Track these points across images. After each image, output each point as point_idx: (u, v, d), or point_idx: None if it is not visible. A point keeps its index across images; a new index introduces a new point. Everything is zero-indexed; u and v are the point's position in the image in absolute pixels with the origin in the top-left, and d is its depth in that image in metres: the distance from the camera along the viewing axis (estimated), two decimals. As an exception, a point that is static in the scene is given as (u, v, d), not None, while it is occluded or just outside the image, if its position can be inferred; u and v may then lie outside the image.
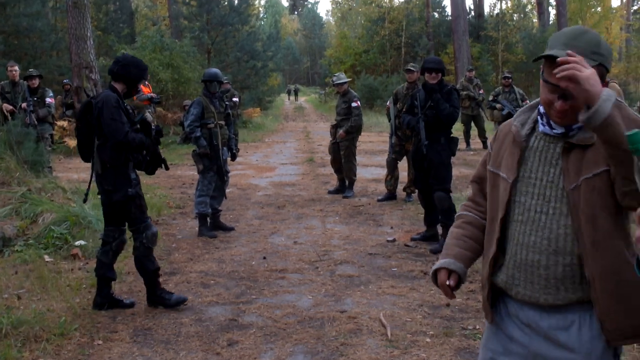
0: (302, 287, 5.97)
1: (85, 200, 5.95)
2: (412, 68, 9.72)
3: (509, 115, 12.39)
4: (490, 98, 13.17)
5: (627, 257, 2.06)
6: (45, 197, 8.37)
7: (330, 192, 11.05)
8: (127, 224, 5.44)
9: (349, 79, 11.88)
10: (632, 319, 2.07)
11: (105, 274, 5.40)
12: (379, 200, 10.18)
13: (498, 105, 12.55)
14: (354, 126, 10.61)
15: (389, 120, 10.07)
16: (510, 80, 13.10)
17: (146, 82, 12.88)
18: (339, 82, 10.87)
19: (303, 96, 62.16)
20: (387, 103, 10.36)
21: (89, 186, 5.71)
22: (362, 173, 12.52)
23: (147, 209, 5.53)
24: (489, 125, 16.10)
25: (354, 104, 10.61)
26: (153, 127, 5.58)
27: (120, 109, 5.15)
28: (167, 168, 5.77)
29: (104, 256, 5.41)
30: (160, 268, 5.57)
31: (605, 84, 2.02)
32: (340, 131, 10.59)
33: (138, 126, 5.33)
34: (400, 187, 10.35)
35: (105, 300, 5.37)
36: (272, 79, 38.54)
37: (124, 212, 5.33)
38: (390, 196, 10.31)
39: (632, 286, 2.04)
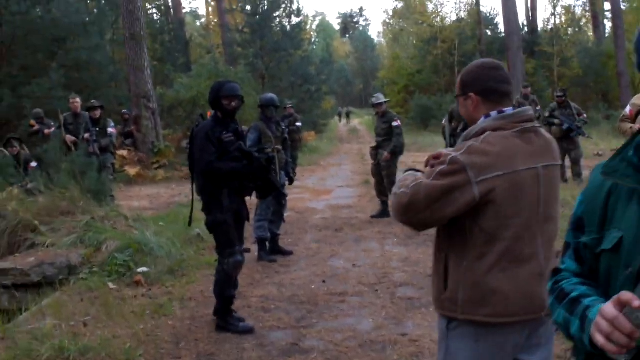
0: (363, 310, 5.94)
1: (189, 224, 6.18)
2: None
3: (569, 131, 12.15)
4: (547, 114, 12.90)
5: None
6: (108, 225, 8.55)
7: (373, 217, 10.68)
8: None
9: (387, 99, 11.80)
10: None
11: (220, 292, 5.58)
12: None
13: (556, 121, 12.30)
14: (397, 146, 10.47)
15: (445, 139, 9.97)
16: (564, 97, 12.76)
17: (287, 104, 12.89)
18: (377, 102, 10.81)
19: (357, 118, 62.22)
20: (443, 121, 10.23)
21: (192, 210, 5.94)
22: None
23: (237, 238, 5.60)
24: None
25: (395, 123, 10.48)
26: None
27: (208, 139, 5.35)
28: (283, 196, 6.02)
29: (217, 275, 5.60)
30: (235, 297, 5.63)
31: None
32: (385, 153, 10.43)
33: (237, 154, 5.47)
34: None
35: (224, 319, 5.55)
36: (325, 102, 38.71)
37: (214, 236, 5.58)
38: None
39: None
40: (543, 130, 2.61)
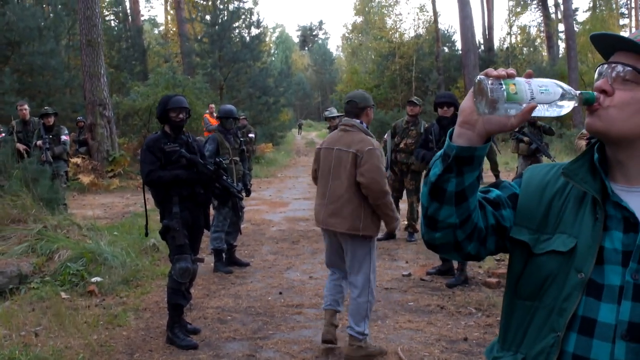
0: (319, 322, 5.94)
1: (146, 234, 6.30)
2: (415, 101, 9.64)
3: (537, 151, 12.30)
4: (516, 129, 12.99)
5: None
6: (61, 234, 8.41)
7: None
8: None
9: (341, 114, 11.88)
10: None
11: (168, 299, 5.56)
12: (378, 240, 9.40)
13: (526, 139, 12.42)
14: None
15: (385, 154, 9.99)
16: (535, 117, 12.82)
17: (214, 114, 12.80)
18: (330, 115, 10.88)
19: (314, 131, 62.39)
20: (385, 136, 10.19)
21: (146, 219, 6.10)
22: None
23: (189, 246, 5.56)
24: (501, 158, 16.09)
25: None
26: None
27: (149, 149, 5.50)
28: (240, 199, 6.56)
29: (168, 281, 5.59)
30: (184, 306, 5.58)
31: None
32: None
33: (183, 162, 5.55)
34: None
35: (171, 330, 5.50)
36: (283, 114, 38.73)
37: (165, 241, 5.67)
38: (389, 236, 9.62)
39: None
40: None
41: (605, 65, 1.52)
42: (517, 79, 1.38)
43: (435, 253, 7.09)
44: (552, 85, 1.41)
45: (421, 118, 9.70)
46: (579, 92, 1.44)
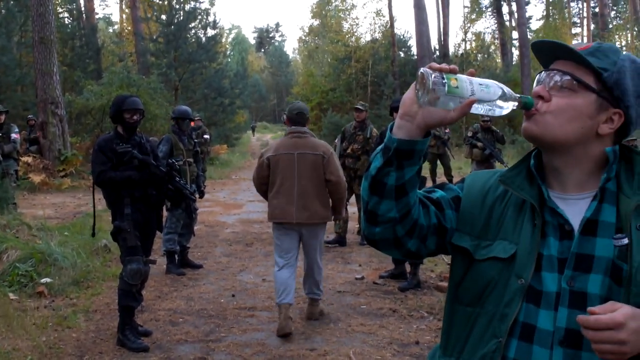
0: (272, 325, 5.96)
1: (93, 234, 6.26)
2: (360, 107, 9.64)
3: (490, 157, 12.46)
4: (470, 134, 13.04)
5: None
6: (10, 234, 8.27)
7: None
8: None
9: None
10: None
11: (119, 301, 5.51)
12: (327, 244, 9.22)
13: (480, 144, 12.56)
14: None
15: None
16: (489, 122, 12.86)
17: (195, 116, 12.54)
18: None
19: (269, 133, 62.27)
20: (336, 140, 10.23)
21: (94, 220, 6.11)
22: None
23: (141, 247, 5.51)
24: (454, 163, 16.30)
25: None
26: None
27: (100, 150, 5.44)
28: (193, 200, 6.61)
29: (119, 283, 5.53)
30: (135, 308, 5.54)
31: None
32: None
33: (135, 162, 5.49)
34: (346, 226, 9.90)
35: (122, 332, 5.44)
36: (238, 116, 38.58)
37: (117, 242, 5.61)
38: (340, 240, 9.70)
39: None
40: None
41: (544, 73, 1.55)
42: (459, 75, 1.41)
43: (386, 255, 7.18)
44: (493, 85, 1.44)
45: (369, 122, 9.72)
46: (518, 95, 1.48)
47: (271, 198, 5.95)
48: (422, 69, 1.40)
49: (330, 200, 6.05)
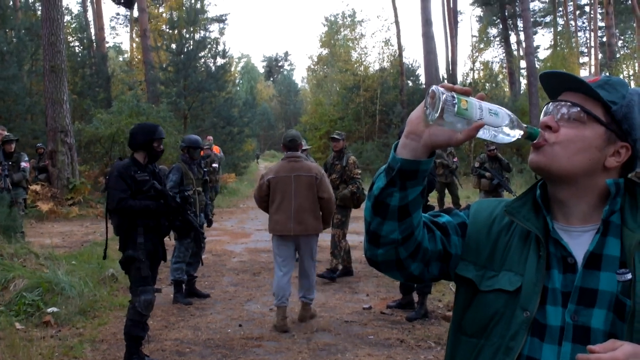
0: (279, 355, 5.92)
1: (104, 257, 6.20)
2: (337, 136, 9.45)
3: (499, 186, 12.45)
4: (477, 164, 13.06)
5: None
6: (17, 263, 8.26)
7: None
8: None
9: (310, 146, 11.88)
10: None
11: (128, 331, 5.49)
12: (336, 277, 9.22)
13: (487, 174, 12.55)
14: None
15: None
16: (495, 150, 12.88)
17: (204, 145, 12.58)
18: (305, 147, 10.90)
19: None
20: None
21: (106, 244, 6.01)
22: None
23: (151, 276, 5.54)
24: (462, 192, 16.28)
25: None
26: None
27: (121, 177, 5.40)
28: (201, 234, 6.88)
29: (128, 313, 5.54)
30: (143, 338, 5.51)
31: None
32: None
33: (152, 192, 5.51)
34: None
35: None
36: (247, 144, 38.67)
37: (127, 272, 5.55)
38: (347, 271, 9.50)
39: None
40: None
41: (552, 104, 1.55)
42: (470, 98, 1.41)
43: (394, 285, 7.08)
44: (501, 111, 1.44)
45: (347, 151, 9.59)
46: (525, 125, 1.47)
47: (272, 214, 6.98)
48: (433, 87, 1.39)
49: (321, 213, 7.02)
